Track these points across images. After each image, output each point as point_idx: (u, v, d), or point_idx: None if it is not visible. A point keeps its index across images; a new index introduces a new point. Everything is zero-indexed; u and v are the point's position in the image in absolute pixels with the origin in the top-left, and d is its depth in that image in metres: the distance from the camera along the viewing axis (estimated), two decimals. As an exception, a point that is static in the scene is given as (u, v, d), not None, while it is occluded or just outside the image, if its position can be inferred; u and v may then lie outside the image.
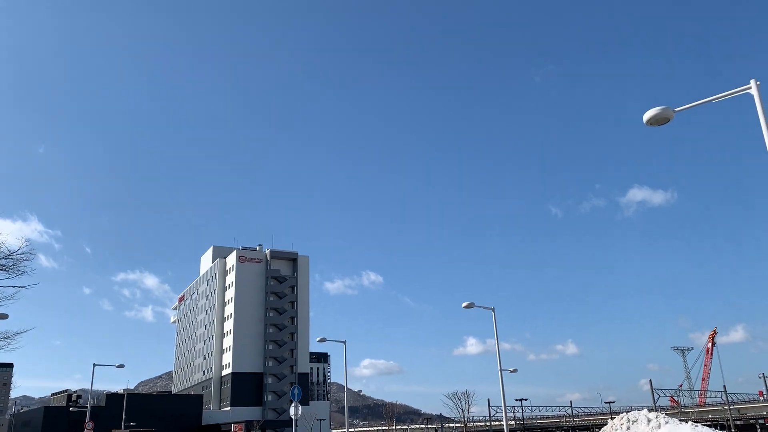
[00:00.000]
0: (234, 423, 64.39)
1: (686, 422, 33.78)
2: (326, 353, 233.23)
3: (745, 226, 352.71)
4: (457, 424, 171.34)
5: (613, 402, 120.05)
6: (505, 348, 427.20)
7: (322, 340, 38.90)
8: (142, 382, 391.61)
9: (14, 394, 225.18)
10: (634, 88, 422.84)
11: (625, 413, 36.73)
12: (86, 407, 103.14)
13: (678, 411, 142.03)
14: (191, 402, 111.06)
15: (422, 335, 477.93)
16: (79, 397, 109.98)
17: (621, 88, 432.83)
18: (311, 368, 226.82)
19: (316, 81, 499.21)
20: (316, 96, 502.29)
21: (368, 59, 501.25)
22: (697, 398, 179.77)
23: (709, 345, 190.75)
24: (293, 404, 26.22)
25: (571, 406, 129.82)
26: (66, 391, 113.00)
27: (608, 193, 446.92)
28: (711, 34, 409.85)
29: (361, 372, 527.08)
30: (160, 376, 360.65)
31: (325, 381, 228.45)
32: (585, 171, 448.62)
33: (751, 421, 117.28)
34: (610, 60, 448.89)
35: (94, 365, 45.88)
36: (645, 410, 36.38)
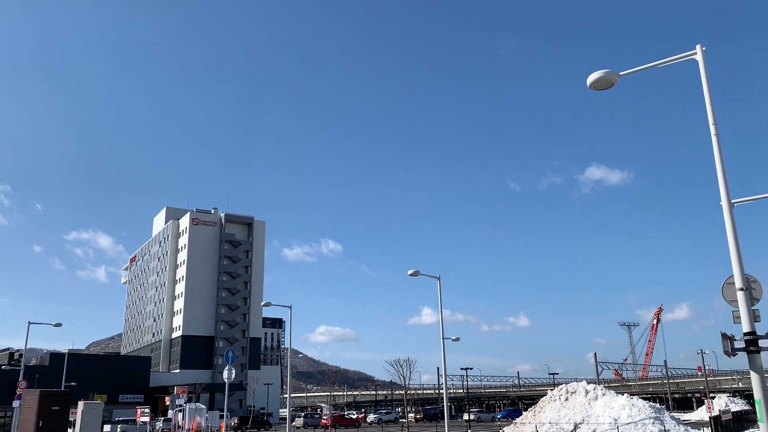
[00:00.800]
0: (177, 386, 63.14)
1: (623, 395, 34.42)
2: (281, 319, 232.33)
3: (688, 205, 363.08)
4: (409, 391, 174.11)
5: (557, 374, 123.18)
6: (459, 319, 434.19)
7: (267, 305, 38.21)
8: (93, 342, 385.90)
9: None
10: (600, 67, 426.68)
11: (564, 384, 37.28)
12: (22, 366, 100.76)
13: (621, 384, 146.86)
14: (139, 363, 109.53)
15: (379, 304, 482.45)
16: (21, 355, 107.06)
17: (588, 68, 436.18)
18: (265, 333, 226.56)
19: (277, 45, 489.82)
20: (277, 60, 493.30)
21: (328, 26, 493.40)
22: (640, 372, 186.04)
23: (655, 321, 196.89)
24: (227, 367, 25.56)
25: (518, 377, 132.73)
26: (8, 349, 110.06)
27: (567, 170, 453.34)
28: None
29: (316, 338, 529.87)
30: (112, 338, 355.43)
31: (279, 346, 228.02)
32: (545, 148, 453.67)
33: (689, 395, 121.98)
34: (578, 38, 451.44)
35: (30, 323, 44.08)
36: (584, 382, 37.01)
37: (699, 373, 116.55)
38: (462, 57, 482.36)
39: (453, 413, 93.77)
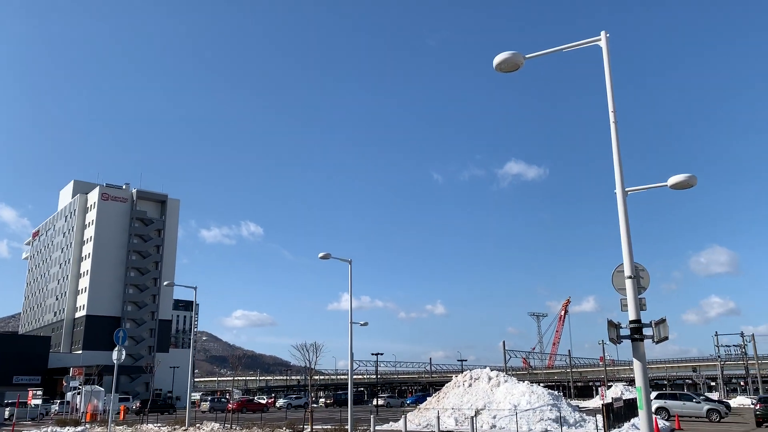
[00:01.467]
0: (74, 367, 60.03)
1: (524, 382, 35.18)
2: (194, 301, 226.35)
3: (599, 196, 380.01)
4: (323, 376, 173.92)
5: (466, 360, 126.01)
6: (377, 305, 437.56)
7: (170, 284, 36.64)
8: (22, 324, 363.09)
9: None
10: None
11: (468, 371, 37.75)
12: None
13: (528, 372, 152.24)
14: (37, 343, 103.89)
15: (298, 289, 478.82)
16: None
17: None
18: (177, 316, 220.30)
19: (194, 10, 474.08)
20: (196, 28, 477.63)
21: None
22: (547, 361, 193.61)
23: (562, 312, 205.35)
24: (116, 348, 24.11)
25: (431, 362, 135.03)
26: None
27: (487, 164, 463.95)
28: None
29: (233, 322, 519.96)
30: (12, 316, 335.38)
31: (191, 329, 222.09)
32: (467, 141, 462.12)
33: (590, 383, 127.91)
34: (503, 29, 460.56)
35: None
36: (487, 369, 37.60)
37: (600, 363, 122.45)
38: (391, 47, 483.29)
39: (365, 398, 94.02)
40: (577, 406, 52.65)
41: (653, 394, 41.40)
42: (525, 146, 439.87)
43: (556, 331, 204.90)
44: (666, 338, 11.33)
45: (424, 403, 39.42)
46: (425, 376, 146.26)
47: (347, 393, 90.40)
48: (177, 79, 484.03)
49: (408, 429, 33.02)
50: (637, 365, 11.36)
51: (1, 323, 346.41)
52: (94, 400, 53.14)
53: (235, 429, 35.37)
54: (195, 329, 43.11)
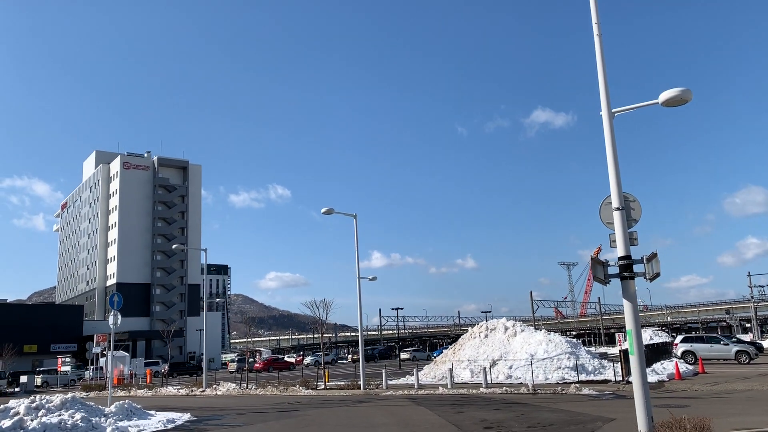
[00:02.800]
0: (98, 334, 61.00)
1: (541, 330, 34.22)
2: (226, 265, 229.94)
3: (626, 143, 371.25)
4: (355, 333, 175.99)
5: (490, 312, 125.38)
6: (408, 262, 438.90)
7: (179, 249, 36.23)
8: (36, 292, 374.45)
9: None
10: (551, 10, 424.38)
11: (484, 321, 36.89)
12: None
13: (559, 321, 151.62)
14: (72, 312, 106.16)
15: (328, 249, 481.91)
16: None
17: (538, 9, 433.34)
18: (210, 280, 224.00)
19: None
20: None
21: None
22: (579, 310, 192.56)
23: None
24: (112, 312, 23.74)
25: (459, 315, 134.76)
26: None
27: (513, 113, 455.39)
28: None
29: (267, 284, 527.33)
30: (54, 287, 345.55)
31: (225, 292, 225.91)
32: (491, 91, 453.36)
33: (622, 330, 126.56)
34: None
35: None
36: (503, 318, 36.71)
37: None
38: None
39: (394, 353, 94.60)
40: (605, 353, 51.69)
41: (678, 338, 40.18)
42: (552, 93, 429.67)
43: (588, 279, 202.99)
44: (658, 275, 10.10)
45: (440, 356, 38.82)
46: (455, 329, 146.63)
47: (375, 348, 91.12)
48: (196, 44, 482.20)
49: (422, 382, 32.48)
50: (627, 306, 10.20)
51: (45, 293, 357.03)
52: (119, 365, 53.90)
53: (251, 388, 35.29)
54: (204, 291, 42.91)
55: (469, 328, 37.49)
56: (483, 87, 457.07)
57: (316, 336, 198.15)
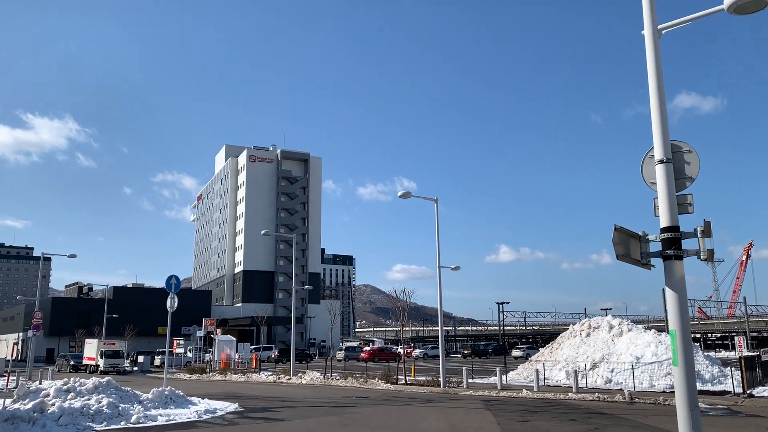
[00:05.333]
0: (205, 318, 63.07)
1: (650, 330, 29.98)
2: (351, 256, 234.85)
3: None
4: (477, 327, 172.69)
5: (610, 309, 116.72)
6: (538, 256, 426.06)
7: (267, 234, 35.77)
8: (185, 279, 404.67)
9: (53, 286, 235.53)
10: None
11: (587, 318, 33.09)
12: (89, 298, 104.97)
13: (700, 322, 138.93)
14: (201, 297, 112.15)
15: (454, 242, 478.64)
16: (90, 289, 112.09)
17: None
18: (336, 270, 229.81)
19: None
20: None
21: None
22: (726, 310, 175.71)
23: (744, 257, 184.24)
24: (170, 296, 23.30)
25: (585, 313, 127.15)
26: (77, 283, 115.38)
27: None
28: None
29: (393, 276, 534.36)
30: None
31: (350, 282, 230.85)
32: (628, 76, 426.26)
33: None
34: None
35: (43, 255, 43.85)
36: (609, 316, 32.76)
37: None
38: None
39: (506, 350, 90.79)
40: (714, 357, 45.31)
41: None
42: (697, 77, 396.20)
43: (737, 278, 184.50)
44: (712, 253, 7.10)
45: (536, 355, 35.47)
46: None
47: (489, 344, 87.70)
48: (325, 43, 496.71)
49: (512, 382, 29.63)
50: (671, 298, 7.24)
51: (187, 281, 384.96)
52: (226, 349, 55.20)
53: (335, 378, 34.15)
54: (298, 281, 42.34)
55: (570, 326, 33.84)
56: (618, 72, 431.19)
57: (435, 328, 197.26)
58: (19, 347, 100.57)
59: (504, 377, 31.75)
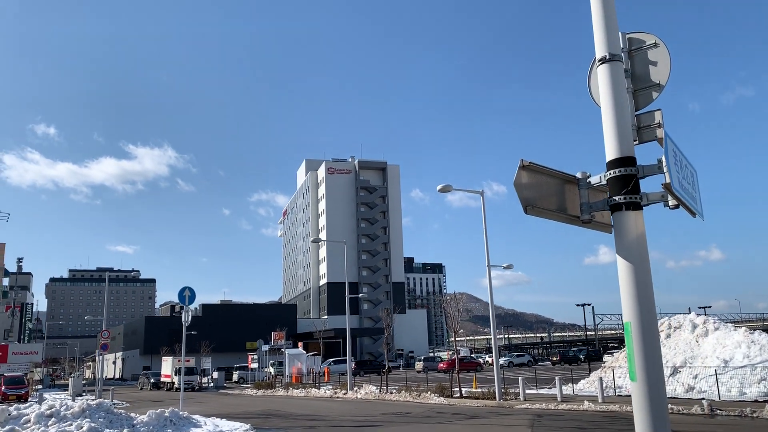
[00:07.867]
0: (275, 332, 62.29)
1: (741, 328, 25.78)
2: (440, 264, 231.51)
3: None
4: (579, 333, 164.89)
5: (710, 307, 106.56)
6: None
7: (316, 240, 34.26)
8: (282, 295, 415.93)
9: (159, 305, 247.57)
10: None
11: (666, 318, 29.11)
12: (180, 316, 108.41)
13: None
14: (286, 311, 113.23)
15: (548, 245, 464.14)
16: (181, 308, 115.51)
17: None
18: (426, 279, 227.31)
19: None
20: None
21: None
22: None
23: None
24: (184, 309, 22.11)
25: (689, 312, 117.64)
26: (170, 302, 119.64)
27: (756, 80, 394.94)
28: None
29: (487, 282, 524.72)
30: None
31: (440, 291, 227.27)
32: (726, 57, 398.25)
33: None
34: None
35: (110, 270, 44.61)
36: (693, 314, 28.67)
37: None
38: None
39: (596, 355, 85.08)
40: None
41: None
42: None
43: None
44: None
45: (609, 361, 31.72)
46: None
47: (580, 349, 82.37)
48: (400, 49, 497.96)
49: (581, 392, 26.39)
50: (623, 268, 4.62)
51: (281, 297, 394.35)
52: (297, 363, 54.18)
53: (390, 391, 31.98)
54: (443, 290, 40.55)
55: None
56: (714, 53, 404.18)
57: (538, 334, 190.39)
58: (120, 366, 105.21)
59: (572, 386, 28.46)
